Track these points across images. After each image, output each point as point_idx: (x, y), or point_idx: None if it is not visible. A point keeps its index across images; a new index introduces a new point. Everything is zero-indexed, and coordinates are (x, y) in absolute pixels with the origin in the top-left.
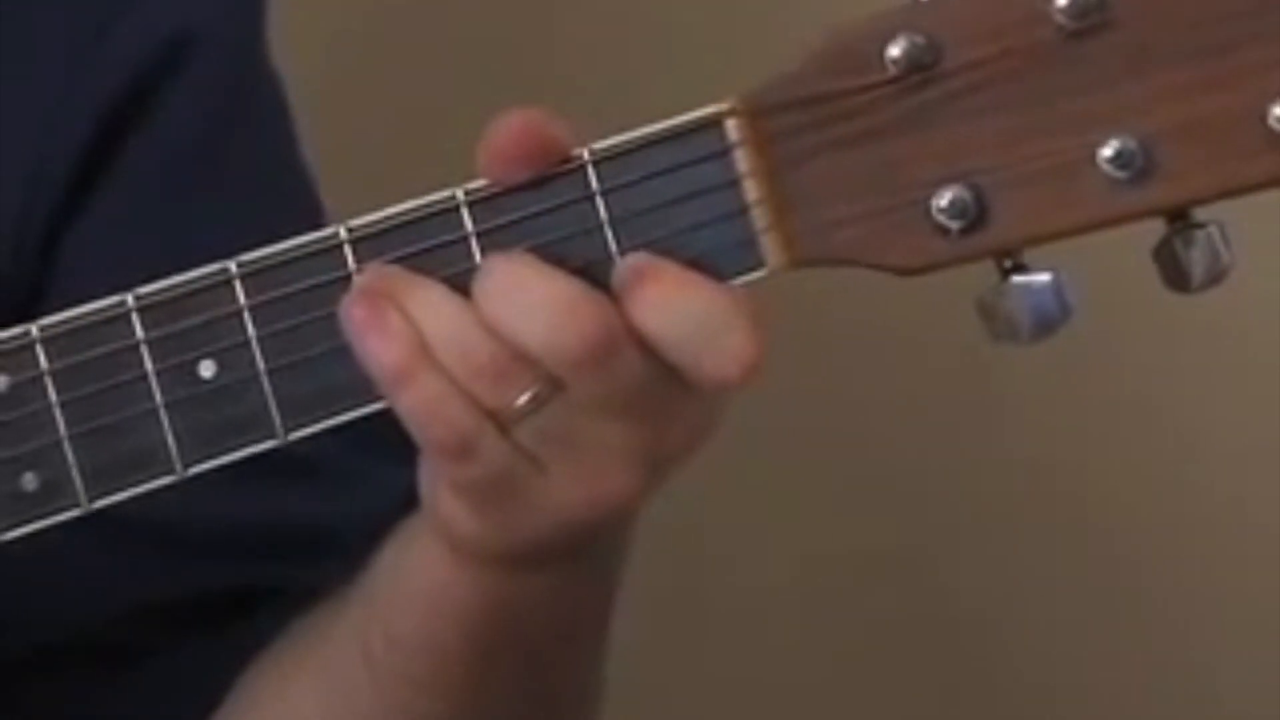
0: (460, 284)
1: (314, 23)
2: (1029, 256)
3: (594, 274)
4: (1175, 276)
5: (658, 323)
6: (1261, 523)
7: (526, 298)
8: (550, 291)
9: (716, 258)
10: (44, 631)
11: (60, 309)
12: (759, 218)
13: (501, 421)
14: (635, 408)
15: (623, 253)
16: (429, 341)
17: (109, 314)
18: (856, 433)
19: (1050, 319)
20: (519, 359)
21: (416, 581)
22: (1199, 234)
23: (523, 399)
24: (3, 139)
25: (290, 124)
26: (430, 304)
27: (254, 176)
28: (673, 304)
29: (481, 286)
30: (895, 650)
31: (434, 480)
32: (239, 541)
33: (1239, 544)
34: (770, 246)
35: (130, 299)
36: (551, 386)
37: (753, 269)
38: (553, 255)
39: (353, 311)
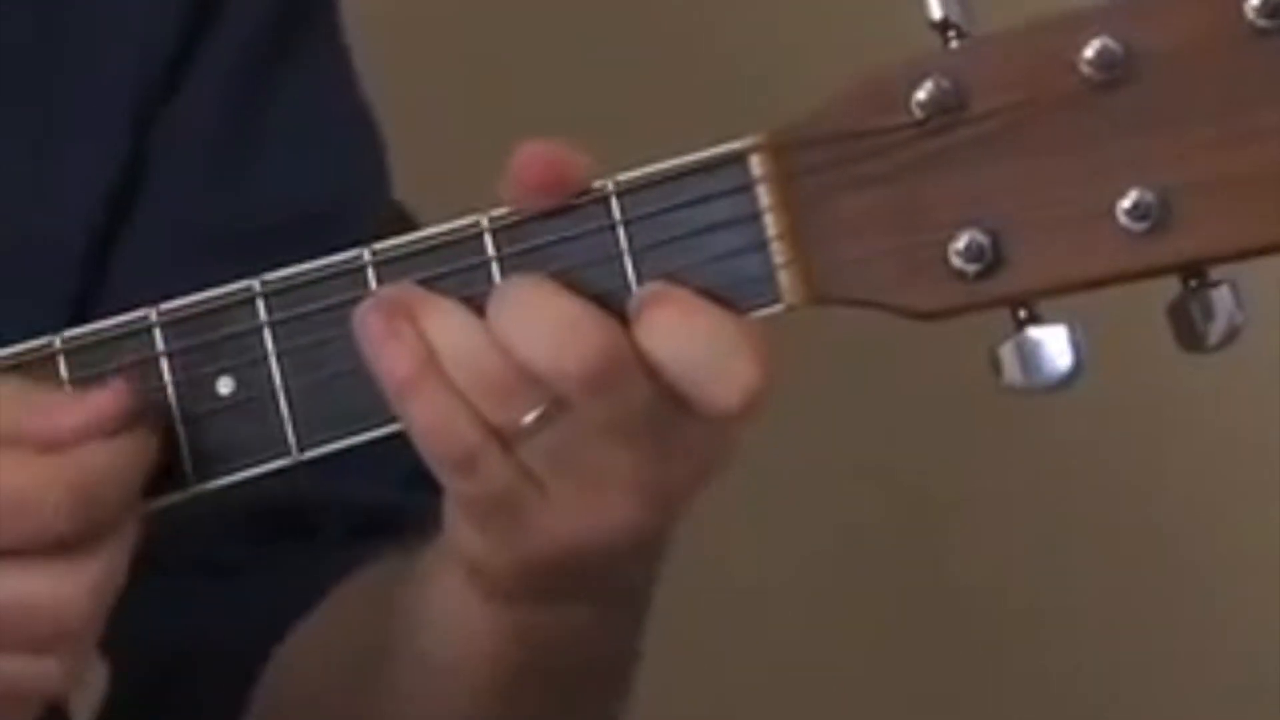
0: (478, 306)
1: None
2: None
3: (611, 303)
4: (1189, 337)
5: (664, 346)
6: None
7: (535, 316)
8: (559, 311)
9: (734, 290)
10: (151, 543)
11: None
12: (778, 252)
13: (506, 439)
14: (640, 434)
15: (641, 283)
16: (439, 355)
17: (131, 327)
18: (853, 431)
19: (1064, 371)
20: (527, 378)
21: (443, 611)
22: (1214, 294)
23: (529, 418)
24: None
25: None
26: (443, 319)
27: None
28: (679, 328)
29: (494, 305)
30: (893, 651)
31: (447, 503)
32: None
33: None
34: (788, 282)
35: (153, 314)
36: (558, 407)
37: (770, 303)
38: (571, 282)
39: (367, 319)
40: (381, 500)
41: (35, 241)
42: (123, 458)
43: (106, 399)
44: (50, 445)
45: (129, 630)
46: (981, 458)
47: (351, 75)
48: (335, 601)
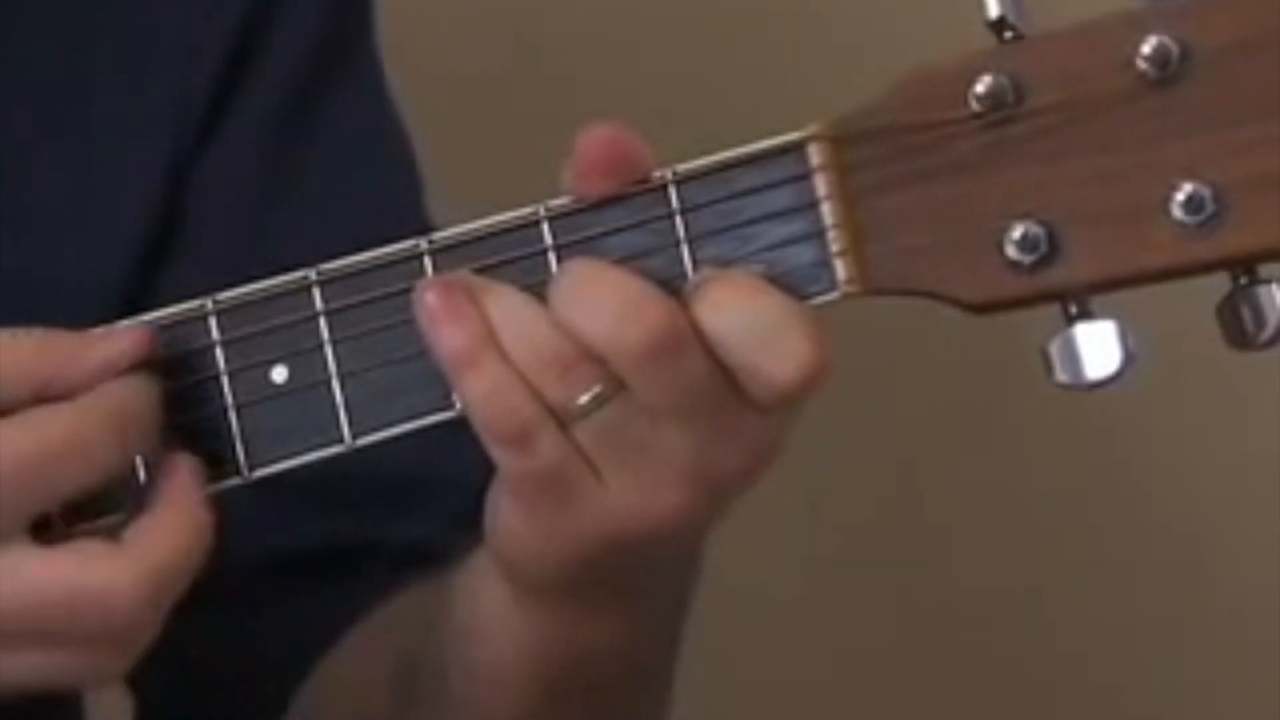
0: (536, 294)
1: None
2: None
3: (668, 290)
4: (1238, 335)
5: (722, 320)
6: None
7: (597, 293)
8: (618, 288)
9: (790, 278)
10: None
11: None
12: (834, 241)
13: (562, 418)
14: (694, 416)
15: (697, 270)
16: (498, 332)
17: (186, 315)
18: (851, 435)
19: (1114, 367)
20: (585, 357)
21: (485, 617)
22: (1263, 292)
23: (585, 396)
24: (147, 81)
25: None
26: (502, 298)
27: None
28: (737, 304)
29: (555, 285)
30: (895, 657)
31: (494, 490)
32: (356, 495)
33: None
34: (844, 270)
35: (209, 302)
36: (614, 387)
37: (826, 290)
38: (629, 268)
39: (425, 297)
40: (428, 538)
41: (68, 289)
42: (142, 392)
43: (125, 335)
44: (76, 384)
45: (164, 661)
46: (985, 464)
47: (388, 102)
48: (374, 621)
